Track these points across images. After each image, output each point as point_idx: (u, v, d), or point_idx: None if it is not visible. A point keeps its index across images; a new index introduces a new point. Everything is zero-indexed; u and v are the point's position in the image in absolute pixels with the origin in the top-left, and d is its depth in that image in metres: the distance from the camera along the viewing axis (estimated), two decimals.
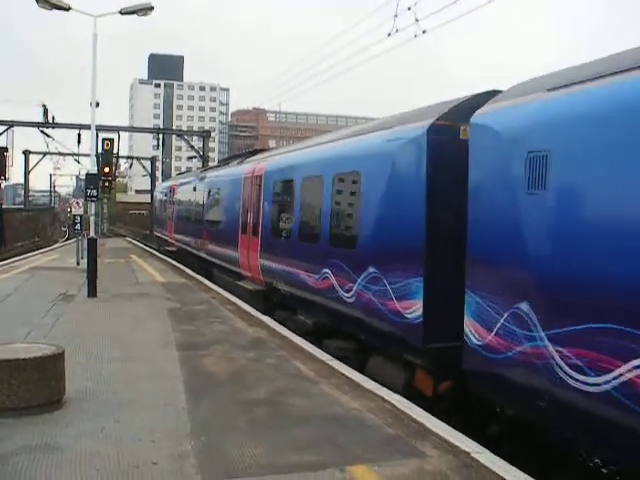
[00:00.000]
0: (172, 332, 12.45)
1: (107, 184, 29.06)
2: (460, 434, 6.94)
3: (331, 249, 11.64)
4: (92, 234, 18.80)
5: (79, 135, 48.01)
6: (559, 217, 6.48)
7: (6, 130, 47.72)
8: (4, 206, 51.45)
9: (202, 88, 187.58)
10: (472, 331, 7.65)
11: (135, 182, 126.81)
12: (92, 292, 16.88)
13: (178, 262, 28.18)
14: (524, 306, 6.75)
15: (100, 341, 11.43)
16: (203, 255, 23.99)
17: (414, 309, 8.92)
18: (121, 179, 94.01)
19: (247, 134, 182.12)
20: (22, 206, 70.28)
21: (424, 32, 15.45)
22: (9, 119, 48.84)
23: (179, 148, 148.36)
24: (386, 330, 9.69)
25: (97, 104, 19.59)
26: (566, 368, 6.15)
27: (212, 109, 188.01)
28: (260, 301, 15.85)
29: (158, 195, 42.51)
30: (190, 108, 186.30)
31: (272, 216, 15.56)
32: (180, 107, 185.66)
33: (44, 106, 48.33)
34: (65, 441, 6.49)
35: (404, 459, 6.23)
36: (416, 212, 8.95)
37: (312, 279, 12.32)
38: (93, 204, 19.44)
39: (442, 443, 6.66)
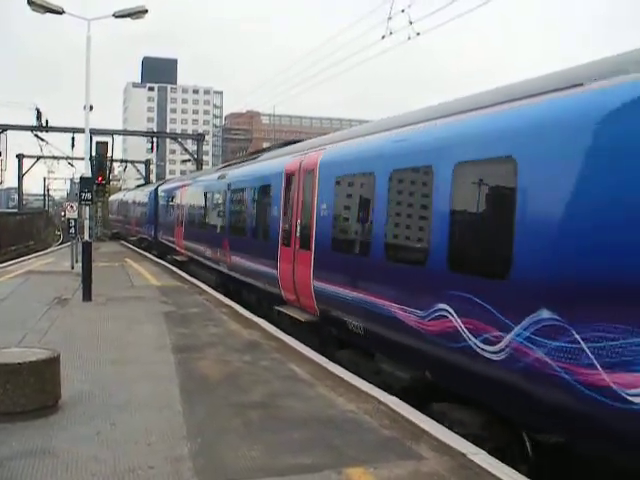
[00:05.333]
0: (167, 335, 12.44)
1: (102, 188, 29.31)
2: (456, 435, 6.94)
3: (151, 219, 37.82)
4: (86, 238, 18.78)
5: (73, 139, 48.01)
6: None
7: None
8: None
9: (196, 91, 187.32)
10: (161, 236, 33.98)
11: (129, 185, 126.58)
12: (87, 296, 16.83)
13: (119, 239, 52.46)
14: (176, 232, 28.58)
15: (95, 345, 11.42)
16: (129, 230, 48.61)
17: (152, 233, 36.80)
18: (115, 182, 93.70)
19: (241, 137, 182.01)
20: (16, 210, 70.11)
21: (418, 34, 15.46)
22: (2, 123, 48.77)
23: (173, 151, 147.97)
24: (150, 239, 37.75)
25: (91, 107, 19.55)
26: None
27: (206, 112, 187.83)
28: (142, 244, 41.79)
29: (112, 200, 64.04)
30: (184, 111, 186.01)
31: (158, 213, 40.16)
32: (174, 110, 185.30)
33: (37, 109, 48.25)
34: (61, 446, 6.48)
35: (400, 461, 6.24)
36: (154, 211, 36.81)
37: (141, 230, 41.70)
38: (87, 208, 19.39)
39: (438, 444, 6.67)
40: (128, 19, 19.54)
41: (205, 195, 22.71)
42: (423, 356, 8.40)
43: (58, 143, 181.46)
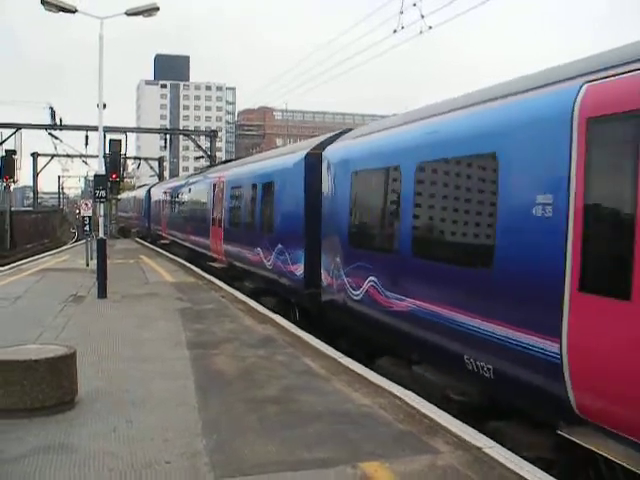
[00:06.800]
0: (183, 331, 12.50)
1: (116, 185, 29.62)
2: (471, 429, 6.92)
3: (145, 214, 47.58)
4: (101, 235, 18.88)
5: (87, 137, 48.23)
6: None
7: (14, 133, 47.94)
8: (13, 208, 51.70)
9: (208, 88, 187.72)
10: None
11: (143, 182, 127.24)
12: (102, 293, 16.93)
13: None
14: (161, 223, 39.28)
15: (111, 341, 11.50)
16: (131, 223, 58.21)
17: (147, 225, 46.68)
18: (129, 180, 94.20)
19: (254, 133, 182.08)
20: (31, 208, 70.66)
21: (430, 28, 15.44)
22: (17, 122, 49.10)
23: (186, 148, 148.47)
24: (145, 230, 47.36)
25: (104, 105, 19.61)
26: None
27: (219, 109, 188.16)
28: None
29: (119, 198, 71.14)
30: (197, 108, 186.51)
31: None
32: (187, 107, 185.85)
33: (51, 108, 48.55)
34: (78, 441, 6.53)
35: (416, 455, 6.24)
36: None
37: (139, 223, 51.42)
38: (102, 205, 19.48)
39: (453, 438, 6.66)
40: (140, 17, 19.61)
41: (177, 195, 33.60)
42: (258, 275, 17.16)
43: (72, 141, 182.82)
